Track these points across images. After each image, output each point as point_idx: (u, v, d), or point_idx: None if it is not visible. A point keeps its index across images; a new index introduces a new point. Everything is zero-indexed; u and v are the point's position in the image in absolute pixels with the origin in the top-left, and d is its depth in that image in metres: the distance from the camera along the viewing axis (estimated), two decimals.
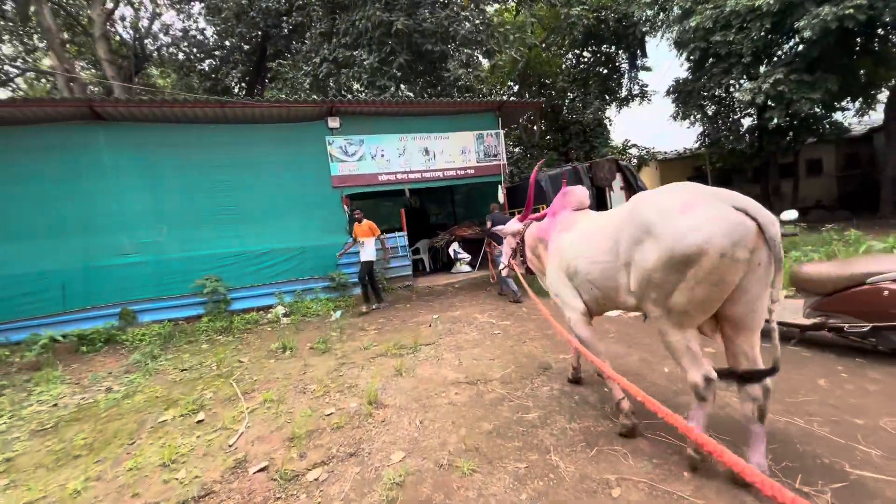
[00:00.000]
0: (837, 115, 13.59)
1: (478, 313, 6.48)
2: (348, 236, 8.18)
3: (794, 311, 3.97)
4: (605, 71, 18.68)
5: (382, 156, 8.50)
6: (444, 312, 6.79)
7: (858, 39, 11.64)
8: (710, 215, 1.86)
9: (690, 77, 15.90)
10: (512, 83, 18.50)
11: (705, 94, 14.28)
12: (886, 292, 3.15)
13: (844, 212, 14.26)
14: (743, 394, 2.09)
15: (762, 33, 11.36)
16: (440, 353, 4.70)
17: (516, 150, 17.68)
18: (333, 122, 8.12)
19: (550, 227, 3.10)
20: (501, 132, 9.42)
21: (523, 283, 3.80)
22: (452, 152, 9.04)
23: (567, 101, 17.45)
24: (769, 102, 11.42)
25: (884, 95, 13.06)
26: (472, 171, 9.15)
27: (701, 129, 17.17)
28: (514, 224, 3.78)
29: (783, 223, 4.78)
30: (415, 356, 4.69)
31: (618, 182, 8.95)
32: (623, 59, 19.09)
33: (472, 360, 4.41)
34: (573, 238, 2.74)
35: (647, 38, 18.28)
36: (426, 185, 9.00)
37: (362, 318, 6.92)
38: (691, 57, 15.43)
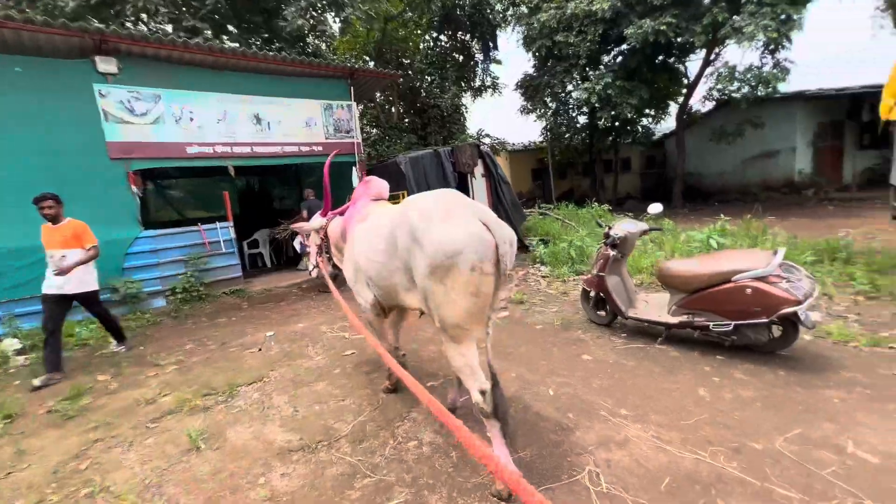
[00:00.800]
0: (645, 121, 15.95)
1: (326, 325, 5.22)
2: (138, 228, 5.91)
3: (660, 306, 3.88)
4: (462, 58, 18.68)
5: (192, 119, 6.35)
6: (282, 326, 5.32)
7: (661, 57, 13.73)
8: (463, 228, 1.92)
9: (536, 73, 16.97)
10: (367, 58, 17.05)
11: (548, 90, 15.28)
12: (749, 290, 3.09)
13: (649, 202, 17.17)
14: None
15: (596, 38, 12.43)
16: (268, 397, 3.37)
17: (374, 131, 16.44)
18: (106, 65, 5.64)
19: (350, 218, 2.97)
20: (354, 105, 8.10)
21: (329, 284, 3.31)
22: (293, 123, 7.36)
23: (425, 83, 16.86)
24: (598, 104, 12.64)
25: (674, 108, 15.88)
26: (321, 149, 7.65)
27: (544, 123, 18.55)
28: (316, 219, 3.54)
29: (650, 216, 4.85)
30: (227, 407, 3.25)
31: (479, 169, 8.60)
32: (477, 48, 19.40)
33: (312, 403, 3.21)
34: (363, 231, 2.68)
35: (498, 31, 18.94)
36: (259, 163, 7.15)
37: (130, 357, 4.96)
38: (537, 54, 16.42)
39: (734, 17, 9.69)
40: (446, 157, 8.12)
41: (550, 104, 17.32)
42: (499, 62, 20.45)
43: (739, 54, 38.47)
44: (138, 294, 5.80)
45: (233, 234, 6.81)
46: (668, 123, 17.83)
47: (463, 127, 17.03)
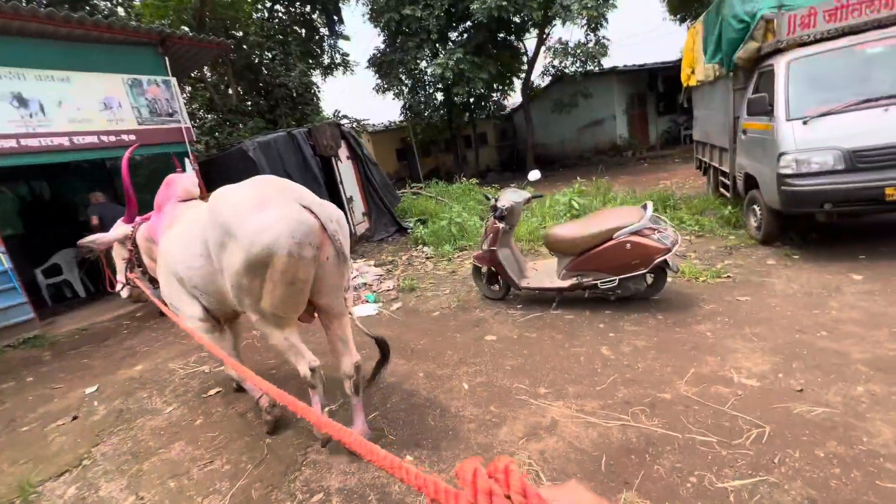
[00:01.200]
0: (496, 96, 16.77)
1: (177, 360, 4.11)
2: None
3: (549, 273, 3.93)
4: (304, 32, 16.96)
5: None
6: (110, 375, 4.01)
7: (503, 34, 14.47)
8: (278, 214, 1.83)
9: (387, 49, 16.39)
10: (186, 28, 14.19)
11: (402, 67, 14.91)
12: (629, 245, 3.26)
13: (508, 173, 18.43)
14: (342, 373, 2.26)
15: (443, 12, 12.40)
16: (92, 488, 2.39)
17: (209, 116, 13.96)
18: None
19: (158, 224, 2.70)
20: (174, 81, 6.48)
21: (154, 300, 2.74)
22: (85, 105, 5.52)
23: (266, 60, 14.84)
24: (452, 80, 12.78)
25: (518, 84, 17.09)
26: (133, 137, 5.94)
27: (403, 101, 18.22)
28: (119, 229, 3.07)
29: (529, 183, 4.86)
30: None
31: (344, 151, 7.82)
32: (321, 22, 17.84)
33: (166, 479, 2.36)
34: (175, 236, 2.43)
35: (342, 4, 17.68)
36: (31, 161, 5.20)
37: None
38: (385, 29, 15.83)
39: None
40: (303, 140, 7.15)
41: (406, 81, 17.02)
42: (346, 38, 19.26)
43: (569, 33, 43.74)
44: None
45: (7, 262, 4.88)
46: (515, 98, 19.23)
47: (317, 108, 15.61)
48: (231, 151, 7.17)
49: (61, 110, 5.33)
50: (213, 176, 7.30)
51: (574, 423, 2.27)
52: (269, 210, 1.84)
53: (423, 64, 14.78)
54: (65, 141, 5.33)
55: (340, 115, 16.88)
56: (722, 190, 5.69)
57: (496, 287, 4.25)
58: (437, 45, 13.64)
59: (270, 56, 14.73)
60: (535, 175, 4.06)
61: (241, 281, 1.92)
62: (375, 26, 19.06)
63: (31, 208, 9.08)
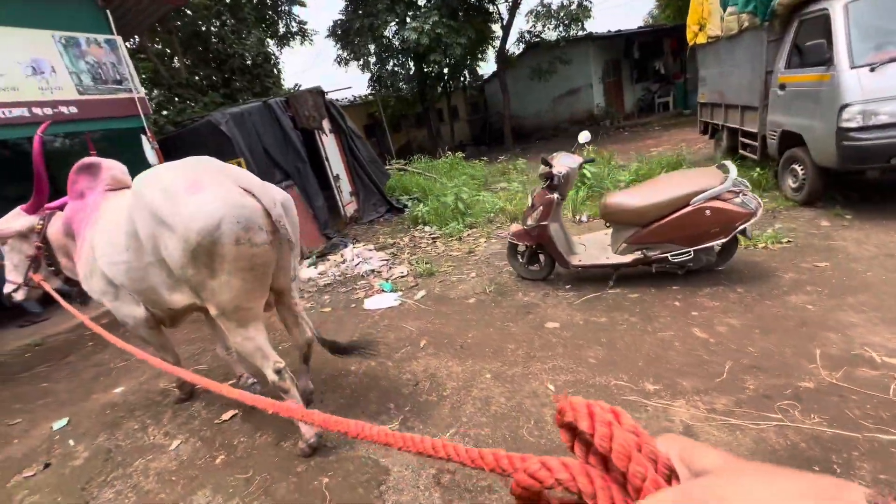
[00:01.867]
0: (472, 64, 15.92)
1: (165, 375, 3.40)
2: None
3: (601, 247, 3.51)
4: None
5: None
6: (83, 402, 3.26)
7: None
8: (216, 197, 1.66)
9: (351, 15, 15.12)
10: None
11: (369, 34, 13.79)
12: (709, 211, 2.87)
13: (483, 147, 17.87)
14: (295, 346, 2.30)
15: None
16: None
17: (156, 92, 12.36)
18: None
19: (77, 215, 2.32)
20: (120, 41, 5.37)
21: (61, 301, 2.35)
22: (8, 68, 4.42)
23: (215, 27, 13.25)
24: (428, 45, 11.92)
25: (491, 54, 16.34)
26: (75, 110, 4.88)
27: (370, 74, 17.05)
28: (16, 219, 2.51)
29: (580, 146, 4.36)
30: None
31: (326, 123, 6.97)
32: None
33: None
34: (99, 231, 2.12)
35: None
36: None
37: None
38: None
39: None
40: (281, 111, 6.25)
41: (373, 50, 15.87)
42: (302, 3, 17.69)
43: None
44: None
45: None
46: (486, 68, 18.49)
47: (278, 80, 14.27)
48: (196, 126, 6.19)
49: None
50: (176, 155, 6.30)
51: (714, 427, 1.88)
52: (204, 192, 1.67)
53: (394, 29, 13.73)
54: None
55: (300, 88, 15.58)
56: (743, 152, 5.45)
57: (536, 266, 3.79)
58: (408, 7, 12.62)
59: (219, 23, 13.15)
60: (585, 136, 3.58)
61: (186, 273, 1.76)
62: None
63: None
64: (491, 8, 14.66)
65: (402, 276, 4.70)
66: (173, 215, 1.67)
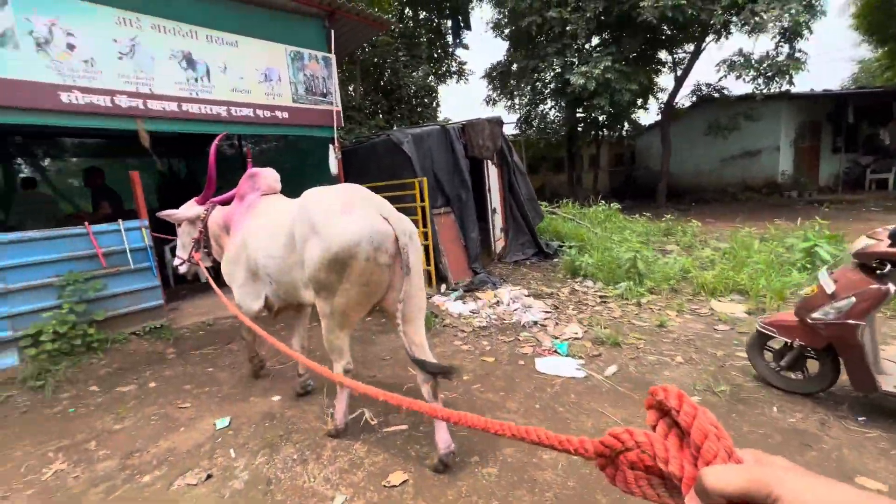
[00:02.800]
0: (638, 112, 14.87)
1: (319, 394, 3.08)
2: None
3: None
4: (432, 37, 16.67)
5: (72, 47, 3.76)
6: (244, 400, 3.10)
7: (664, 38, 12.75)
8: (361, 219, 1.99)
9: (510, 59, 15.45)
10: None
11: (532, 75, 13.80)
12: None
13: (628, 201, 16.43)
14: (420, 377, 2.22)
15: (596, 14, 11.09)
16: None
17: None
18: None
19: (236, 213, 2.84)
20: (333, 57, 5.83)
21: (211, 282, 2.80)
22: (246, 75, 4.96)
23: (393, 59, 14.61)
24: (595, 90, 11.34)
25: (654, 103, 15.15)
26: (286, 116, 5.31)
27: (518, 115, 17.14)
28: (191, 208, 3.09)
29: None
30: None
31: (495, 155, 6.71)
32: (447, 28, 17.52)
33: None
34: (257, 228, 2.58)
35: (471, 10, 17.25)
36: (190, 129, 4.66)
37: None
38: (511, 37, 14.96)
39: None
40: (456, 137, 6.15)
41: (525, 93, 15.93)
42: (466, 46, 18.78)
43: (734, 45, 39.31)
44: None
45: (149, 239, 4.31)
46: (644, 119, 17.24)
47: (434, 112, 15.05)
48: (375, 143, 6.38)
49: (225, 77, 4.77)
50: (352, 166, 6.56)
51: None
52: (353, 214, 2.00)
53: (554, 72, 13.52)
54: (223, 111, 4.75)
55: (450, 122, 16.21)
56: None
57: (800, 375, 2.70)
58: (582, 51, 12.30)
59: (393, 58, 14.44)
60: None
61: (318, 275, 2.06)
62: (497, 35, 18.51)
63: (168, 186, 9.14)
64: (664, 56, 13.67)
65: (576, 338, 3.92)
66: (326, 227, 2.02)
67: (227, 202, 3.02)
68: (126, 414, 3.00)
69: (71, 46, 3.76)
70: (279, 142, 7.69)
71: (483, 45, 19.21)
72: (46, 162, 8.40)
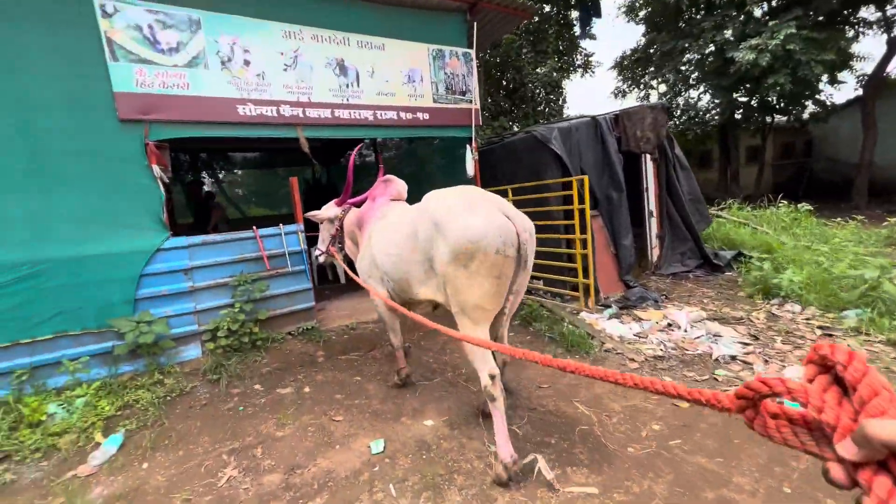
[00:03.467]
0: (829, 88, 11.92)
1: (474, 424, 2.65)
2: (162, 233, 3.70)
3: None
4: (558, 29, 15.74)
5: (247, 63, 4.04)
6: (395, 420, 2.84)
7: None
8: (486, 217, 2.04)
9: (654, 38, 13.67)
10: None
11: (681, 56, 11.97)
12: None
13: (806, 201, 13.28)
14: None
15: None
16: None
17: None
18: None
19: (368, 213, 3.10)
20: (472, 52, 5.53)
21: (344, 268, 3.32)
22: (391, 77, 4.91)
23: (516, 57, 14.10)
24: (770, 65, 9.24)
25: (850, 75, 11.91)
26: (427, 118, 5.15)
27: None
28: (330, 209, 3.50)
29: None
30: None
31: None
32: (573, 19, 16.39)
33: None
34: (381, 229, 2.79)
35: None
36: (341, 134, 4.74)
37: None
38: (654, 16, 13.24)
39: None
40: (608, 129, 5.34)
41: (667, 79, 13.97)
42: (593, 37, 17.34)
43: None
44: (159, 341, 3.56)
45: (304, 243, 4.47)
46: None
47: (560, 109, 14.11)
48: (514, 141, 5.90)
49: (373, 81, 4.76)
50: (487, 168, 6.19)
51: None
52: (477, 214, 2.05)
53: (710, 52, 11.48)
54: (370, 115, 4.75)
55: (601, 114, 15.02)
56: None
57: None
58: (750, 21, 10.23)
59: (526, 51, 13.86)
60: None
61: (448, 270, 2.08)
62: (630, 20, 16.72)
63: (311, 192, 9.94)
64: (868, 15, 10.62)
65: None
66: (450, 224, 2.07)
67: (360, 204, 3.35)
68: (286, 421, 2.97)
69: (247, 62, 4.02)
70: (414, 144, 7.71)
71: (609, 35, 17.54)
72: (222, 174, 9.80)
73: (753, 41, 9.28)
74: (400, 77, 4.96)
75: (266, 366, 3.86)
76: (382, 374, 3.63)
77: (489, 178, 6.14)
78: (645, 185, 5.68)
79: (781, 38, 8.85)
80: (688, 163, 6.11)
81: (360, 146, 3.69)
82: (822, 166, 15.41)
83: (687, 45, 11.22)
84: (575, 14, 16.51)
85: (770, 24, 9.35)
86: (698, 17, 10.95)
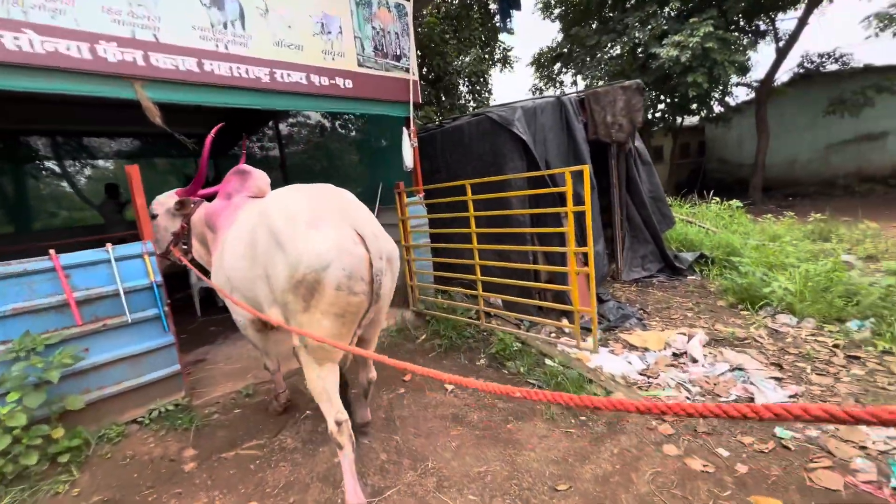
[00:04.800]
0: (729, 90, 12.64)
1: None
2: None
3: None
4: (481, 16, 14.97)
5: None
6: None
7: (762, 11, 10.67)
8: (331, 238, 1.69)
9: (573, 36, 13.55)
10: None
11: (596, 54, 11.89)
12: None
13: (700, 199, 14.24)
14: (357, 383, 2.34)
15: None
16: None
17: None
18: None
19: (220, 214, 2.52)
20: (409, 5, 4.20)
21: (196, 273, 2.76)
22: (298, 20, 3.37)
23: (439, 42, 12.99)
24: (689, 64, 9.38)
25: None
26: (350, 85, 3.72)
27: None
28: (169, 199, 2.80)
29: None
30: None
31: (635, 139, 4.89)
32: (493, 9, 15.81)
33: None
34: (232, 233, 2.28)
35: None
36: (219, 101, 3.10)
37: None
38: (570, 13, 13.15)
39: None
40: (574, 112, 4.42)
41: (586, 76, 14.02)
42: (511, 31, 16.97)
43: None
44: None
45: (155, 272, 2.76)
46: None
47: (487, 102, 13.36)
48: (460, 125, 4.72)
49: (266, 24, 3.20)
50: (426, 158, 4.94)
51: None
52: (322, 230, 1.71)
53: (631, 48, 11.53)
54: (264, 74, 3.18)
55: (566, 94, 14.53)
56: None
57: None
58: (672, 18, 10.33)
59: (447, 38, 12.81)
60: None
61: (285, 297, 1.75)
62: (546, 17, 16.72)
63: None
64: (763, 25, 11.48)
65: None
66: (290, 242, 1.71)
67: (211, 197, 2.76)
68: None
69: None
70: (330, 126, 6.16)
71: (529, 30, 17.43)
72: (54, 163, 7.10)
73: (676, 37, 9.30)
74: (309, 24, 3.46)
75: (81, 499, 2.17)
76: (304, 484, 2.19)
77: (426, 172, 4.90)
78: (612, 181, 4.90)
79: (700, 35, 8.94)
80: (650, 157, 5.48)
81: (216, 130, 2.62)
82: (714, 166, 16.85)
83: (612, 41, 11.10)
84: (494, 6, 16.00)
85: (690, 20, 9.45)
86: (614, 14, 10.89)
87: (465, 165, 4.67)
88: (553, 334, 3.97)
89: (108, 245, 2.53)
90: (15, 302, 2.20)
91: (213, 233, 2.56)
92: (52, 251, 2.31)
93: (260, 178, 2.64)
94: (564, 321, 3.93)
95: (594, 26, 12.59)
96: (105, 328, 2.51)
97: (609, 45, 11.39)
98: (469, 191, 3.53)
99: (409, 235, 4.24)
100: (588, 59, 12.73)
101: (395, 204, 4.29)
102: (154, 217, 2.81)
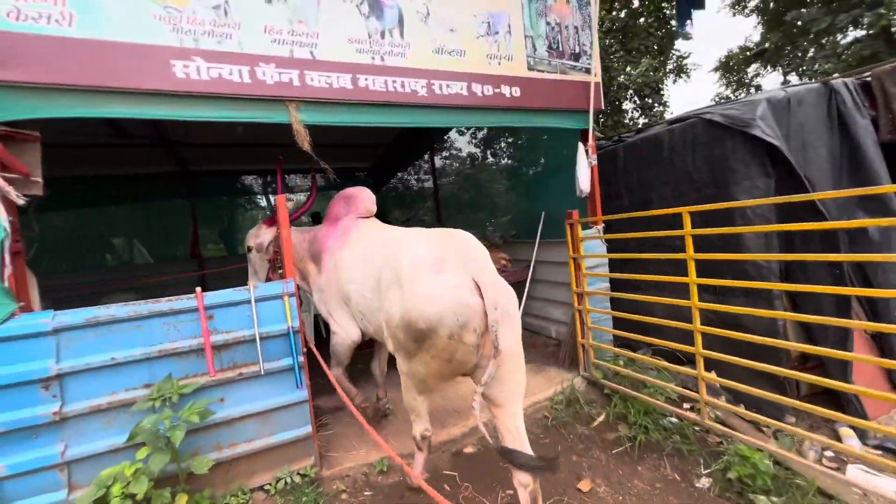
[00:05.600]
0: None
1: None
2: (5, 300, 1.85)
3: None
4: (649, 24, 13.27)
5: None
6: None
7: None
8: (449, 287, 1.72)
9: (797, 14, 10.70)
10: None
11: (827, 37, 8.98)
12: None
13: None
14: (516, 481, 1.84)
15: None
16: None
17: None
18: None
19: (328, 238, 2.65)
20: None
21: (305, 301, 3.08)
22: (461, 22, 2.88)
23: (605, 55, 11.80)
24: None
25: None
26: (517, 93, 3.06)
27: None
28: (262, 232, 2.99)
29: None
30: None
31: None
32: (669, 11, 13.86)
33: None
34: (352, 256, 2.42)
35: None
36: (368, 121, 2.74)
37: None
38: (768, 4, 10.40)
39: None
40: (856, 104, 2.88)
41: (802, 73, 10.90)
42: (688, 36, 14.58)
43: None
44: None
45: (293, 316, 2.43)
46: None
47: (661, 115, 11.53)
48: (657, 134, 3.59)
49: (427, 30, 2.76)
50: (604, 178, 3.92)
51: None
52: (442, 276, 1.75)
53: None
54: (421, 87, 2.72)
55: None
56: None
57: None
58: None
59: (614, 50, 11.57)
60: None
61: (396, 334, 1.86)
62: (736, 13, 13.98)
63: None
64: None
65: None
66: (411, 283, 1.79)
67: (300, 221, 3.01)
68: None
69: None
70: (475, 153, 5.66)
71: (702, 36, 14.77)
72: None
73: None
74: (473, 25, 2.92)
75: None
76: None
77: (601, 197, 3.85)
78: None
79: None
80: None
81: (282, 159, 2.93)
82: None
83: (853, 19, 8.25)
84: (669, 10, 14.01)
85: None
86: None
87: (659, 188, 3.52)
88: (816, 451, 2.44)
89: (251, 283, 2.27)
90: (152, 343, 2.03)
91: (319, 259, 2.65)
92: (198, 289, 2.11)
93: (367, 199, 2.72)
94: (846, 432, 2.41)
95: (814, 10, 9.70)
96: (241, 377, 2.22)
97: (849, 25, 8.50)
98: (688, 222, 2.40)
99: (583, 279, 3.25)
100: (813, 49, 9.82)
101: (564, 238, 3.39)
102: (249, 250, 2.97)
